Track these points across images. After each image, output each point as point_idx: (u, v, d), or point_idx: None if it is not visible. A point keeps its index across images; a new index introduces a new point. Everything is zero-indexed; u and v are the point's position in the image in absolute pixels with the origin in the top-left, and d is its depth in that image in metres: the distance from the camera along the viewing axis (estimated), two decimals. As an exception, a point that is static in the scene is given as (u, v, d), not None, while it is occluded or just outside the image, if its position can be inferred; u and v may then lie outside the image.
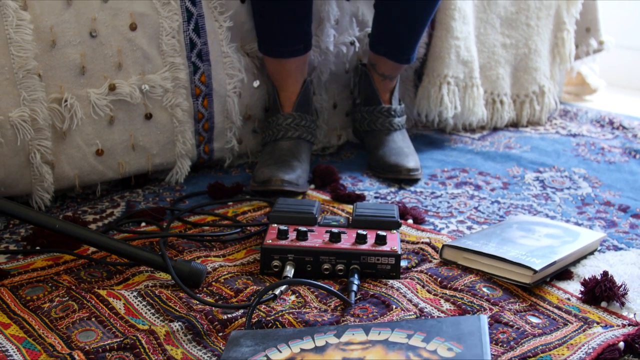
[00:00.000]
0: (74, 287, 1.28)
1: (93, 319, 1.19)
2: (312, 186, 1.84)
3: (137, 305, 1.24)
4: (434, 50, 2.21)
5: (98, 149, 1.65)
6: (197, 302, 1.25)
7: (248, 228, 1.57)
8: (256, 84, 1.88)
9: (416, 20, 1.91)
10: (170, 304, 1.25)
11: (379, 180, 1.92)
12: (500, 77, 2.36)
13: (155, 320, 1.20)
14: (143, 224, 1.58)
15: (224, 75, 1.79)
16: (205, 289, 1.32)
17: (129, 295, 1.26)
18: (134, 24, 1.64)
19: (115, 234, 1.52)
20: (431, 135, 2.31)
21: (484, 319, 1.03)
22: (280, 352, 1.03)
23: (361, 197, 1.76)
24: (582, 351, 1.15)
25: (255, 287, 1.32)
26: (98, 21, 1.60)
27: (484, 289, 1.35)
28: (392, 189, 1.87)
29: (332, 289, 1.27)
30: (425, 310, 1.27)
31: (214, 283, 1.33)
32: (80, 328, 1.17)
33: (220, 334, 1.17)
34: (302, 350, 1.03)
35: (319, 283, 1.28)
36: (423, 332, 1.02)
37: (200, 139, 1.80)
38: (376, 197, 1.81)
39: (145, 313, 1.22)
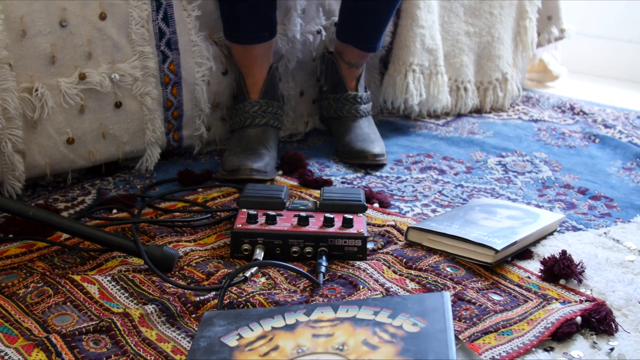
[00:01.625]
0: (48, 273, 1.31)
1: (68, 304, 1.22)
2: (280, 172, 1.88)
3: (111, 289, 1.27)
4: (399, 39, 2.25)
5: (69, 138, 1.66)
6: (170, 285, 1.28)
7: (218, 213, 1.60)
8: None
9: (382, 10, 1.95)
10: (143, 287, 1.28)
11: (345, 166, 1.96)
12: (464, 64, 2.41)
13: (129, 304, 1.23)
14: (114, 210, 1.60)
15: (192, 63, 1.82)
16: (177, 272, 1.35)
17: (103, 280, 1.29)
18: (103, 14, 1.66)
19: (87, 221, 1.54)
20: (397, 122, 2.35)
21: (447, 295, 1.07)
22: (252, 330, 1.07)
23: (328, 183, 1.80)
24: (541, 326, 1.21)
25: (226, 270, 1.36)
26: (68, 11, 1.62)
27: (448, 269, 1.40)
28: (359, 174, 1.91)
29: (301, 270, 1.31)
30: (391, 289, 1.32)
31: (185, 267, 1.37)
32: (56, 312, 1.19)
33: (193, 315, 1.21)
34: (274, 328, 1.06)
35: (289, 265, 1.32)
36: (389, 309, 1.06)
37: (169, 127, 1.83)
38: (343, 182, 1.85)
39: (120, 297, 1.25)
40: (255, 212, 1.44)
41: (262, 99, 1.91)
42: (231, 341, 1.05)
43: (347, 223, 1.44)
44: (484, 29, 2.43)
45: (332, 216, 1.44)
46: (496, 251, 1.39)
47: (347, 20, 2.00)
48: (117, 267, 1.35)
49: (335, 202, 1.52)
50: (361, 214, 1.50)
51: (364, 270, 1.37)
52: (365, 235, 1.42)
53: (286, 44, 2.02)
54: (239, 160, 1.78)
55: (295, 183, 1.81)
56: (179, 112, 1.83)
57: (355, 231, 1.43)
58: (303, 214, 1.45)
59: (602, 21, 3.22)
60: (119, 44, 1.69)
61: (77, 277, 1.29)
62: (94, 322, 1.15)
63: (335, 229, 1.43)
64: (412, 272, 1.39)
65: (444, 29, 2.35)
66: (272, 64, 1.95)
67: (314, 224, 1.44)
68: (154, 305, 1.20)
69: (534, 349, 1.16)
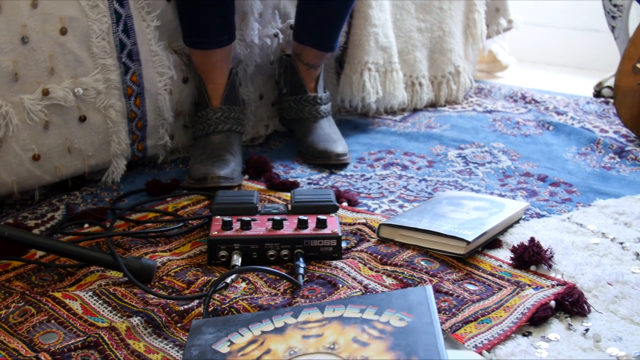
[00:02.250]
0: (27, 292, 1.30)
1: (53, 321, 1.22)
2: (246, 177, 1.89)
3: (94, 304, 1.27)
4: (353, 39, 2.28)
5: (35, 154, 1.66)
6: (153, 297, 1.29)
7: (190, 222, 1.61)
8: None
9: (338, 9, 1.99)
10: (126, 300, 1.28)
11: (309, 167, 1.99)
12: (417, 60, 2.46)
13: (114, 317, 1.24)
14: (86, 225, 1.60)
15: (154, 73, 1.82)
16: (157, 283, 1.36)
17: (84, 295, 1.29)
18: (64, 28, 1.65)
19: (60, 237, 1.54)
20: (355, 120, 2.38)
21: (430, 289, 1.10)
22: (242, 336, 1.08)
23: (295, 184, 1.83)
24: (518, 312, 1.25)
25: (205, 277, 1.37)
26: (28, 27, 1.61)
27: (422, 262, 1.43)
28: (324, 174, 1.94)
29: (283, 273, 1.33)
30: (370, 286, 1.34)
31: (164, 277, 1.38)
32: (41, 331, 1.19)
33: (179, 324, 1.22)
34: (263, 332, 1.08)
35: (270, 269, 1.34)
36: (375, 306, 1.09)
37: (133, 138, 1.83)
38: (309, 183, 1.87)
39: (103, 311, 1.26)
40: (229, 219, 1.46)
41: (224, 105, 1.92)
42: (223, 348, 1.06)
43: (321, 224, 1.46)
44: (435, 24, 2.48)
45: (305, 218, 1.47)
46: (468, 242, 1.43)
47: (304, 21, 2.02)
48: (97, 281, 1.36)
49: (307, 203, 1.54)
50: (333, 214, 1.53)
51: (341, 269, 1.40)
52: (340, 234, 1.45)
53: (244, 48, 2.04)
54: (206, 168, 1.79)
55: (263, 187, 1.83)
56: (142, 122, 1.83)
57: (329, 231, 1.45)
58: (277, 217, 1.47)
59: (547, 10, 3.29)
60: (80, 58, 1.69)
61: (58, 294, 1.29)
62: (82, 338, 1.16)
63: (309, 230, 1.45)
64: (388, 267, 1.42)
65: (397, 27, 2.39)
66: (231, 69, 1.96)
67: (289, 227, 1.47)
68: (139, 317, 1.21)
69: (513, 335, 1.20)
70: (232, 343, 1.07)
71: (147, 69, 1.80)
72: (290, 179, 1.87)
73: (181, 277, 1.37)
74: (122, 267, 1.33)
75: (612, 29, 2.56)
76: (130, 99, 1.78)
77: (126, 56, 1.75)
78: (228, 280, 1.32)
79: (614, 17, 2.54)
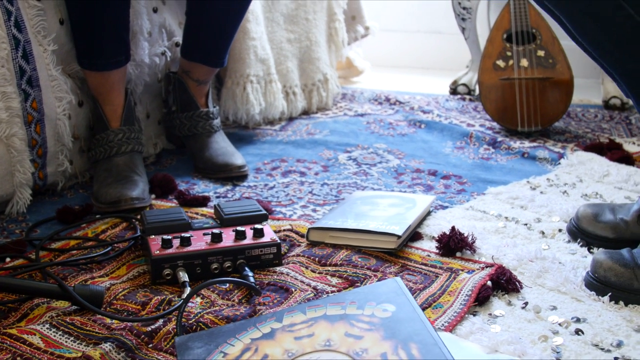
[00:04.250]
0: (-23, 333, 1.25)
1: (18, 359, 1.18)
2: (153, 196, 1.88)
3: (54, 336, 1.24)
4: (233, 52, 2.32)
5: (-59, 191, 1.58)
6: (112, 321, 1.28)
7: (119, 245, 1.59)
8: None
9: (228, 26, 2.02)
10: (87, 328, 1.26)
11: (211, 181, 2.01)
12: (290, 70, 2.53)
13: (79, 347, 1.22)
14: (8, 259, 1.54)
15: (53, 99, 1.78)
16: (109, 308, 1.35)
17: (41, 328, 1.26)
18: (-35, 58, 1.59)
19: (-14, 273, 1.48)
20: (237, 132, 2.42)
21: (400, 280, 1.18)
22: (233, 346, 1.11)
23: (207, 199, 1.85)
24: (463, 294, 1.35)
25: (158, 297, 1.37)
26: None
27: (360, 260, 1.50)
28: (228, 187, 1.97)
29: (245, 282, 1.36)
30: (318, 287, 1.40)
31: (114, 301, 1.36)
32: (11, 368, 1.16)
33: (150, 345, 1.22)
34: (253, 339, 1.11)
35: (234, 279, 1.37)
36: (354, 302, 1.15)
37: (35, 166, 1.78)
38: (218, 197, 1.90)
39: (66, 342, 1.23)
40: (169, 237, 1.46)
41: (123, 126, 1.90)
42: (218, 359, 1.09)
43: (259, 233, 1.50)
44: (303, 35, 2.57)
45: (243, 229, 1.50)
46: (398, 237, 1.52)
47: (193, 38, 2.04)
48: (46, 313, 1.32)
49: (238, 215, 1.57)
50: (265, 223, 1.57)
51: (287, 274, 1.44)
52: (279, 241, 1.50)
53: (135, 68, 2.03)
54: (116, 190, 1.77)
55: (174, 204, 1.83)
56: (43, 149, 1.78)
57: (269, 239, 1.49)
58: (216, 230, 1.49)
59: (389, 14, 3.47)
60: (-19, 88, 1.63)
61: (13, 331, 1.24)
62: (60, 370, 1.14)
63: (248, 240, 1.49)
64: (329, 268, 1.48)
65: (269, 39, 2.46)
66: (127, 89, 1.95)
67: (227, 239, 1.49)
68: (109, 343, 1.20)
69: (466, 315, 1.30)
70: (225, 354, 1.10)
71: (46, 94, 1.75)
72: (197, 194, 1.88)
73: (132, 299, 1.37)
74: (75, 296, 1.31)
75: (463, 30, 2.76)
76: (30, 127, 1.73)
77: (26, 82, 1.70)
78: (184, 296, 1.34)
79: (463, 19, 2.74)
